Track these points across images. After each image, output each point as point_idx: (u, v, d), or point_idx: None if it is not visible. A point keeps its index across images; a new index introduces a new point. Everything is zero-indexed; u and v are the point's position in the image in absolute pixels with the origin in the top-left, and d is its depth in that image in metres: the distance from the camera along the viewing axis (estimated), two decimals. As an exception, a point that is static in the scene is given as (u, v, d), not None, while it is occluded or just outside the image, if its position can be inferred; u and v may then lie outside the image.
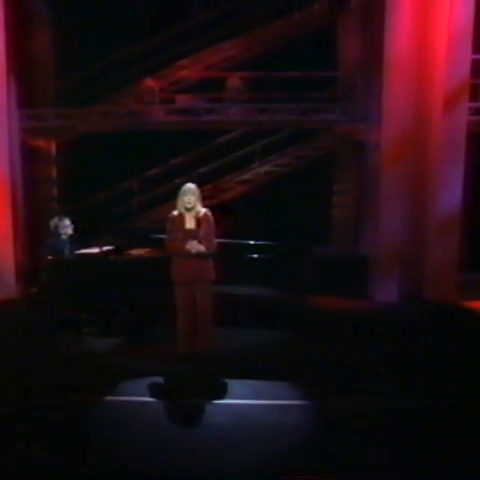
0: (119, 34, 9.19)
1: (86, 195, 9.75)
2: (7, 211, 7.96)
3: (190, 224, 5.15)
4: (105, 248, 6.24)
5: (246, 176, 10.04)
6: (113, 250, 6.29)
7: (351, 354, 5.50)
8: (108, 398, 4.47)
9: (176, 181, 8.26)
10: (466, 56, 7.51)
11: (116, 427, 4.00)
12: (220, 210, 5.93)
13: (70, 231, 6.42)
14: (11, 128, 8.07)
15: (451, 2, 7.39)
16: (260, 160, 9.99)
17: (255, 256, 6.24)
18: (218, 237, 5.24)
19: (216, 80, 9.39)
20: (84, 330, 5.93)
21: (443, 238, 7.72)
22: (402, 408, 4.24)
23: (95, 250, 6.24)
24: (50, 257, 6.13)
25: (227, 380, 4.80)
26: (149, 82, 9.39)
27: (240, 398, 4.44)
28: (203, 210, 5.19)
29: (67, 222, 6.43)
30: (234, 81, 9.26)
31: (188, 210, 5.14)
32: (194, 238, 5.09)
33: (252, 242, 6.38)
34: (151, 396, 4.54)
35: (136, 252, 6.33)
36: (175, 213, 5.20)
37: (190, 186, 5.21)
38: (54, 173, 10.04)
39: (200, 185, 5.38)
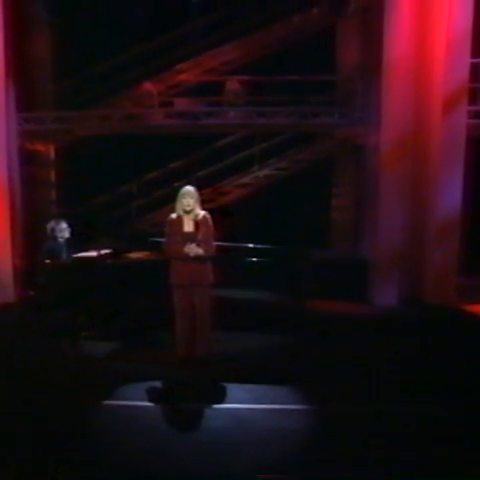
0: (118, 37, 9.20)
1: (85, 198, 9.73)
2: (5, 214, 7.93)
3: (189, 227, 5.13)
4: (103, 251, 6.20)
5: (245, 180, 10.03)
6: (111, 253, 6.26)
7: (351, 358, 5.46)
8: (106, 402, 4.44)
9: (175, 184, 8.24)
10: (465, 60, 7.52)
11: (114, 432, 3.96)
12: (219, 213, 5.90)
13: (67, 234, 6.39)
14: (9, 131, 8.05)
15: (450, 6, 7.41)
16: (259, 163, 9.98)
17: (254, 259, 6.22)
18: (217, 240, 5.21)
19: (215, 83, 9.40)
20: (82, 334, 5.89)
21: (443, 241, 7.71)
22: (402, 413, 4.20)
23: (93, 253, 6.21)
24: (47, 260, 6.10)
25: (226, 384, 4.77)
26: (148, 85, 9.39)
27: (239, 402, 4.41)
28: (202, 213, 5.17)
29: (64, 225, 6.40)
30: (233, 84, 9.27)
31: (187, 213, 5.12)
32: (193, 241, 5.06)
33: (251, 245, 6.36)
34: (150, 400, 4.51)
35: (134, 255, 6.31)
36: (174, 216, 5.17)
37: (189, 189, 5.18)
38: (52, 176, 10.04)
39: (199, 188, 5.36)
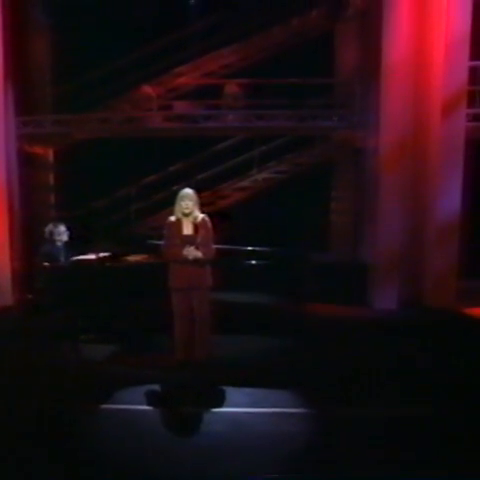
0: (117, 41, 9.20)
1: (84, 202, 9.72)
2: (4, 218, 7.92)
3: (187, 230, 5.10)
4: (102, 254, 6.18)
5: (244, 183, 10.03)
6: (110, 256, 6.24)
7: (350, 362, 5.44)
8: (105, 406, 4.41)
9: (174, 188, 8.23)
10: (463, 63, 7.53)
11: (113, 435, 3.94)
12: (218, 216, 5.89)
13: (65, 237, 6.37)
14: (8, 134, 8.05)
15: (448, 9, 7.42)
16: (258, 167, 9.98)
17: (253, 263, 6.20)
18: (216, 243, 5.19)
19: (214, 87, 9.41)
20: (81, 337, 5.87)
21: (442, 244, 7.70)
22: (402, 416, 4.18)
23: (92, 256, 6.19)
24: (46, 264, 6.08)
25: (225, 388, 4.74)
26: (147, 89, 9.40)
27: (239, 406, 4.39)
28: (201, 216, 5.15)
29: (62, 228, 6.38)
30: (232, 88, 9.28)
31: (186, 216, 5.10)
32: (192, 244, 5.03)
33: (250, 248, 6.34)
34: (149, 404, 4.49)
35: (133, 258, 6.29)
36: (172, 219, 5.15)
37: (188, 191, 5.16)
38: (51, 180, 10.04)
39: (198, 192, 5.34)
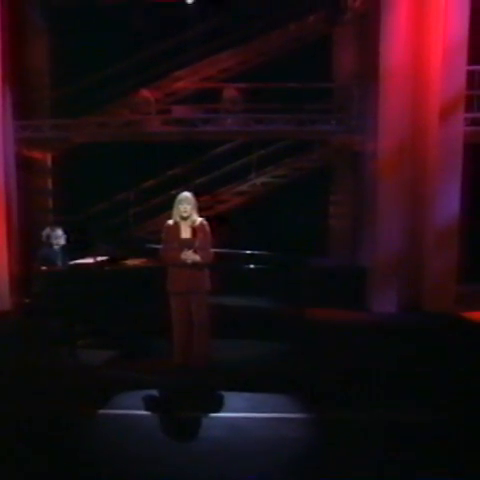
0: (115, 45, 9.22)
1: (82, 206, 9.71)
2: (1, 222, 7.90)
3: (186, 233, 5.08)
4: (100, 258, 6.16)
5: (243, 187, 10.04)
6: (108, 260, 6.21)
7: (350, 366, 5.42)
8: (103, 411, 4.38)
9: (173, 192, 8.23)
10: (461, 67, 7.55)
11: (111, 441, 3.91)
12: (216, 220, 5.88)
13: (62, 241, 6.34)
14: (6, 139, 8.04)
15: (446, 13, 7.45)
16: (257, 171, 9.99)
17: (252, 267, 6.18)
18: (214, 247, 5.17)
19: (212, 91, 9.42)
20: (78, 342, 5.83)
21: (441, 248, 7.69)
22: (402, 421, 4.16)
23: (89, 260, 6.16)
24: (43, 268, 6.05)
25: (224, 392, 4.71)
26: (145, 93, 9.41)
27: (238, 411, 4.36)
28: (199, 219, 5.12)
29: (59, 232, 6.35)
30: (230, 92, 9.29)
31: (184, 219, 5.08)
32: (190, 248, 5.01)
33: (249, 253, 6.32)
34: (147, 409, 4.46)
35: (131, 262, 6.26)
36: (170, 222, 5.13)
37: (186, 195, 5.14)
38: (50, 184, 10.04)
39: (197, 196, 5.33)
